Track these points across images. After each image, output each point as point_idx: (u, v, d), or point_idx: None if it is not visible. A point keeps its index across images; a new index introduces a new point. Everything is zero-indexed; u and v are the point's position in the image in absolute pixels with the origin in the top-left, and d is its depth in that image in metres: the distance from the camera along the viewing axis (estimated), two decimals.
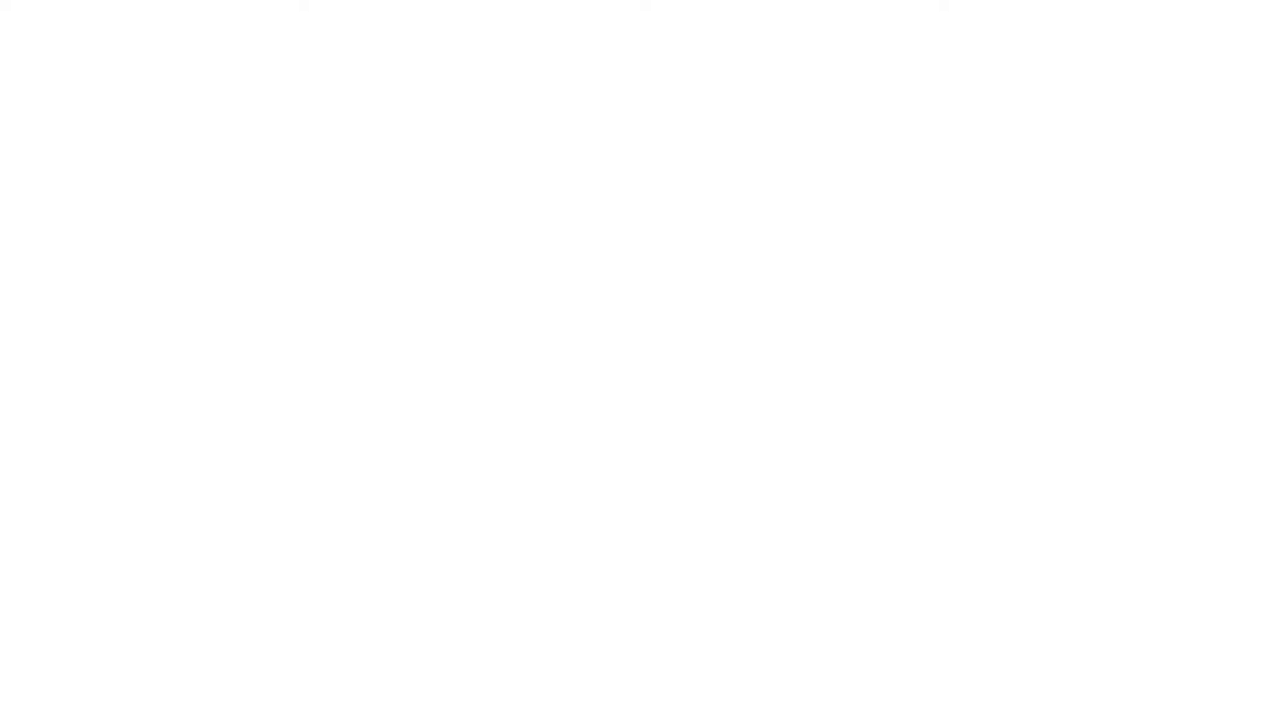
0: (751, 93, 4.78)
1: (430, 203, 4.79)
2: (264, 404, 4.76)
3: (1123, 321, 4.70)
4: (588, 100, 4.79)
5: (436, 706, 4.71)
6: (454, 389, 4.76)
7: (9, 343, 4.76)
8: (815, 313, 4.74)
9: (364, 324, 4.77)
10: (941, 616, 4.70)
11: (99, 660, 4.73)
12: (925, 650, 4.69)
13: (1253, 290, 4.69)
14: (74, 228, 4.79)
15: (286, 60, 4.79)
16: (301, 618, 4.74)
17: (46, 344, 4.77)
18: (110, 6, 4.80)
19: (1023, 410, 4.71)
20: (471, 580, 4.74)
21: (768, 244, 4.76)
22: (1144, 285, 4.71)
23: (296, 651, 4.73)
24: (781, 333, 4.74)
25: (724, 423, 4.74)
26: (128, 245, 4.79)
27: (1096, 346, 4.70)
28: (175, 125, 4.81)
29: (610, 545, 4.74)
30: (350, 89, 4.80)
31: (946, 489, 4.71)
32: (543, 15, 4.80)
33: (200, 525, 4.75)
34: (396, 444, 4.76)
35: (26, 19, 4.80)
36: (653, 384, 4.75)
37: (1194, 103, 4.72)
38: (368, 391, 4.76)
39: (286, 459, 4.75)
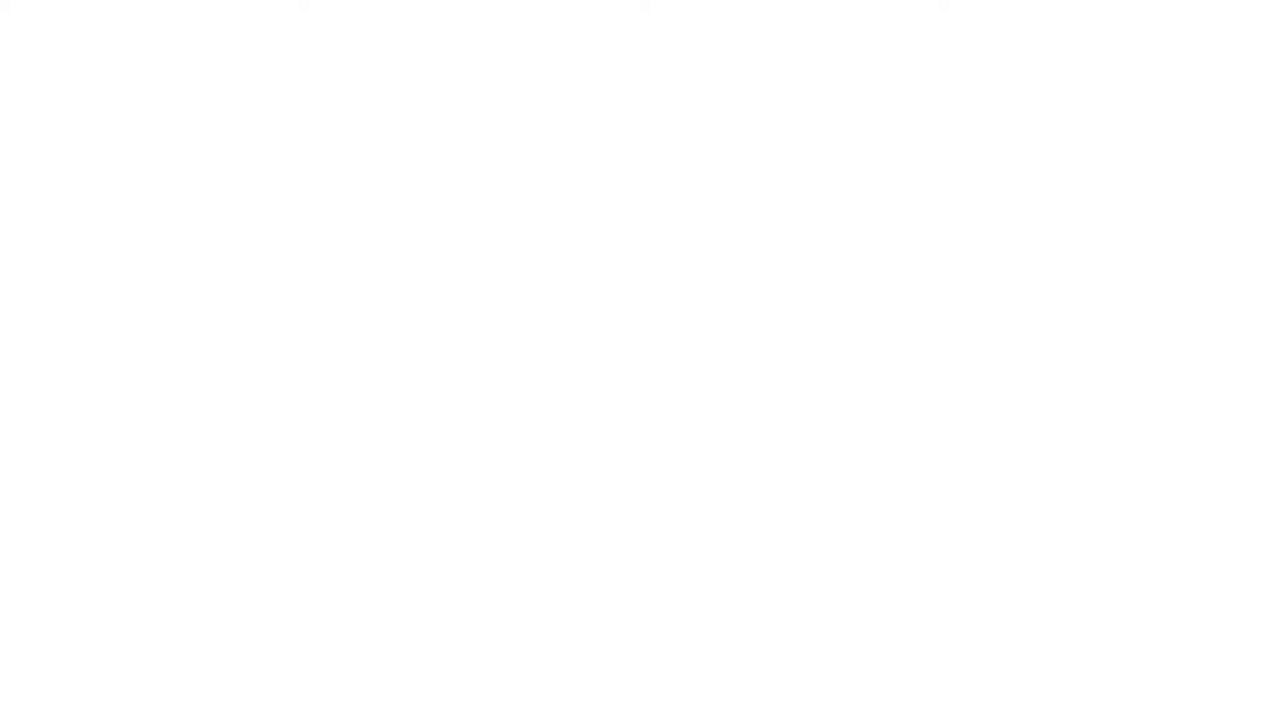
0: (751, 92, 4.78)
1: (430, 202, 4.80)
2: (263, 402, 4.76)
3: (1122, 321, 4.71)
4: (588, 100, 4.79)
5: (437, 707, 4.72)
6: (453, 387, 4.76)
7: (9, 342, 4.76)
8: (815, 312, 4.75)
9: (364, 323, 4.77)
10: (941, 616, 4.70)
11: (99, 660, 4.74)
12: (925, 650, 4.70)
13: (1253, 290, 4.69)
14: (74, 227, 4.80)
15: (286, 60, 4.80)
16: (301, 617, 4.74)
17: (47, 343, 4.77)
18: (110, 6, 4.80)
19: (1022, 409, 4.71)
20: (471, 580, 4.75)
21: (767, 243, 4.76)
22: (1143, 284, 4.71)
23: (296, 651, 4.74)
24: (781, 332, 4.75)
25: (723, 421, 4.75)
26: (128, 244, 4.79)
27: (1096, 346, 4.71)
28: (175, 125, 4.81)
29: (610, 545, 4.75)
30: (350, 89, 4.81)
31: (946, 488, 4.71)
32: (543, 15, 4.80)
33: (200, 524, 4.75)
34: (396, 442, 4.76)
35: (26, 19, 4.80)
36: (652, 382, 4.76)
37: (1194, 102, 4.73)
38: (367, 390, 4.77)
39: (286, 457, 4.76)
